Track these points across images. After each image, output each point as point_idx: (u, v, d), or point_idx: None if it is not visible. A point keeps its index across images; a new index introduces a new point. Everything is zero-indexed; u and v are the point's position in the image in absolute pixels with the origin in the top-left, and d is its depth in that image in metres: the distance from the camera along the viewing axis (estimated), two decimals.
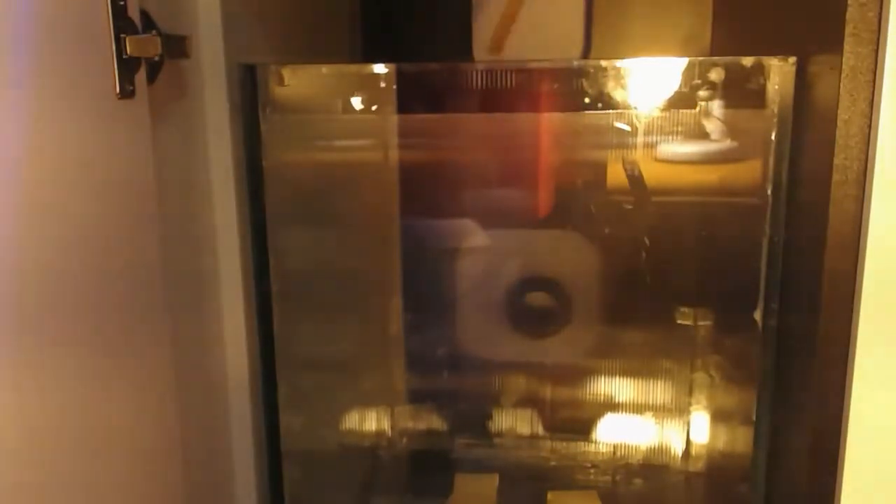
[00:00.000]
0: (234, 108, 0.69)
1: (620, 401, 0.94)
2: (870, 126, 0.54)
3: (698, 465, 0.93)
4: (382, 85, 0.79)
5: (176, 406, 0.58)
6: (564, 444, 0.96)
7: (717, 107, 0.75)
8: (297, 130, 0.80)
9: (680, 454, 0.93)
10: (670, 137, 0.80)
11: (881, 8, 0.52)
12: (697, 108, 0.75)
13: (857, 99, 0.54)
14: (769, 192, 0.70)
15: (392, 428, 1.00)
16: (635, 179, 0.86)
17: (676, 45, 1.05)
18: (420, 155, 0.94)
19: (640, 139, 0.82)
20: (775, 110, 0.68)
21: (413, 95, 0.81)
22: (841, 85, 0.55)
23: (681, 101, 0.73)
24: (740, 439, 0.79)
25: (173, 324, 0.57)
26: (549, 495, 0.88)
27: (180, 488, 0.59)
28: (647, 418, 0.93)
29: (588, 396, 0.95)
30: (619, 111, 0.78)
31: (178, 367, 0.58)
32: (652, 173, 0.85)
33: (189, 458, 0.60)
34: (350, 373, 0.97)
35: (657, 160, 0.84)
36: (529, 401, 0.97)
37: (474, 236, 0.94)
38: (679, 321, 0.89)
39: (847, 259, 0.56)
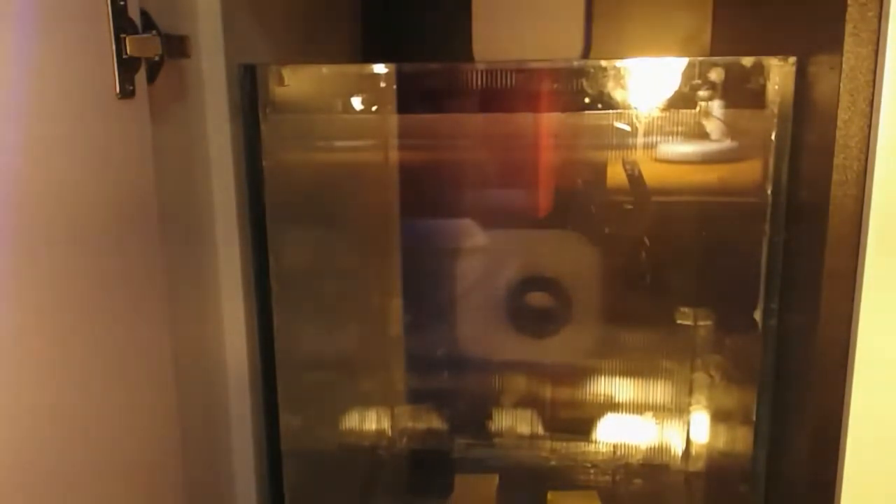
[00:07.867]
0: (234, 108, 0.69)
1: (620, 401, 0.94)
2: (870, 126, 0.54)
3: (698, 465, 0.93)
4: (382, 85, 0.79)
5: (176, 406, 0.58)
6: (564, 444, 0.96)
7: (717, 107, 0.75)
8: (297, 130, 0.80)
9: (680, 454, 0.93)
10: (670, 137, 0.80)
11: (881, 8, 0.52)
12: (697, 108, 0.75)
13: (857, 99, 0.54)
14: (769, 192, 0.70)
15: (392, 428, 1.00)
16: (635, 179, 0.86)
17: (676, 45, 1.05)
18: (420, 155, 0.94)
19: (640, 139, 0.82)
20: (775, 110, 0.68)
21: (413, 95, 0.80)
22: (841, 85, 0.55)
23: (681, 101, 0.73)
24: (740, 439, 0.79)
25: (173, 324, 0.57)
26: (549, 495, 0.88)
27: (181, 488, 0.59)
28: (647, 418, 0.93)
29: (588, 396, 0.95)
30: (619, 111, 0.78)
31: (179, 367, 0.58)
32: (652, 173, 0.85)
33: (189, 457, 0.60)
34: (350, 373, 0.97)
35: (657, 160, 0.84)
36: (529, 401, 0.97)
37: (474, 236, 0.94)
38: (679, 321, 0.89)
39: (847, 259, 0.56)
